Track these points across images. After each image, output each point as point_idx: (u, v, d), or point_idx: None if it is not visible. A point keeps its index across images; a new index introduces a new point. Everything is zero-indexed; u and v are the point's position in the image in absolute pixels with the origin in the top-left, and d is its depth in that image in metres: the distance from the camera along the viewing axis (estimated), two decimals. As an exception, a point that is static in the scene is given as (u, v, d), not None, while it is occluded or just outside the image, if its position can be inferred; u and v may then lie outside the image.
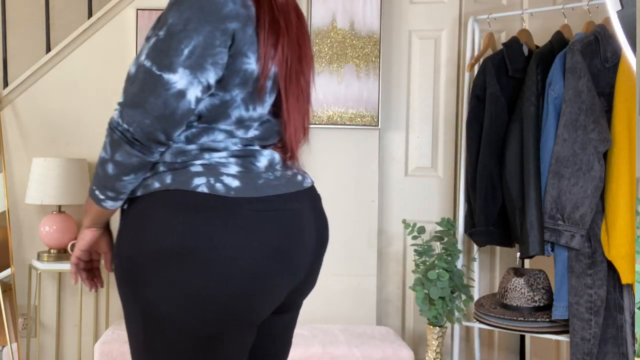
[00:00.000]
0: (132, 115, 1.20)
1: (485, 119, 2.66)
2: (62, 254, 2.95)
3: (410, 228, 2.76)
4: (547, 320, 2.49)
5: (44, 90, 3.10)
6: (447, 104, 3.13)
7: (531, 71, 2.51)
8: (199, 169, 1.25)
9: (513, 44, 2.68)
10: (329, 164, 3.04)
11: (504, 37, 3.04)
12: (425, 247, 2.73)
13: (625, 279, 2.31)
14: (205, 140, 1.27)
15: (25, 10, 3.86)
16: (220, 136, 1.28)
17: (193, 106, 1.22)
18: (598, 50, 2.39)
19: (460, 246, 2.84)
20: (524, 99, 2.51)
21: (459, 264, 2.81)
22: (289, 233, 1.28)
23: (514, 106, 2.61)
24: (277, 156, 1.34)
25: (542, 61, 2.51)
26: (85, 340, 3.02)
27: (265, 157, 1.32)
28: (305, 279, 1.37)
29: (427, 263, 2.73)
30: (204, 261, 1.21)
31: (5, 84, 3.32)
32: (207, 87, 1.23)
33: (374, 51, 3.01)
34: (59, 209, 2.97)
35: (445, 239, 2.75)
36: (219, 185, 1.23)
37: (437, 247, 2.81)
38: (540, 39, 2.70)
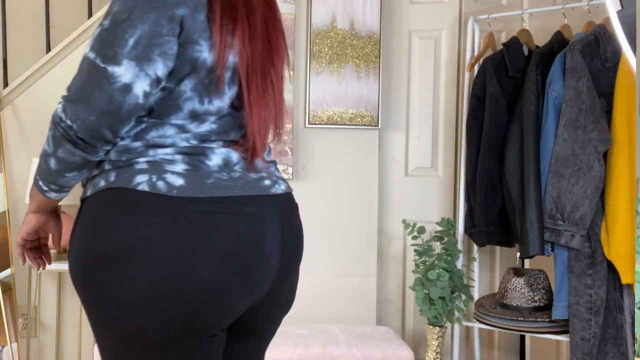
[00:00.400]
0: (76, 111, 1.13)
1: (485, 119, 2.66)
2: (62, 254, 2.95)
3: (410, 228, 2.76)
4: (547, 320, 2.49)
5: (44, 90, 3.09)
6: (447, 104, 3.13)
7: (531, 71, 2.51)
8: (144, 166, 1.17)
9: (513, 44, 2.68)
10: (329, 164, 3.04)
11: (504, 37, 3.04)
12: (425, 247, 2.73)
13: (625, 279, 2.31)
14: (152, 135, 1.18)
15: (25, 10, 3.86)
16: (169, 131, 1.18)
17: (141, 101, 1.13)
18: (598, 50, 2.39)
19: (460, 246, 2.84)
20: (524, 99, 2.51)
21: (459, 264, 2.81)
22: (240, 239, 1.17)
23: (514, 106, 2.61)
24: (235, 155, 1.22)
25: (542, 61, 2.51)
26: (85, 340, 3.02)
27: (219, 156, 1.20)
28: (272, 295, 1.27)
29: (427, 263, 2.72)
30: (141, 263, 1.13)
31: (5, 84, 3.32)
32: (156, 80, 1.14)
33: (374, 51, 3.01)
34: (59, 209, 2.97)
35: (445, 239, 2.75)
36: (161, 184, 1.14)
37: (437, 247, 2.81)
38: (540, 39, 2.70)
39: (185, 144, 1.18)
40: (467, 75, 2.91)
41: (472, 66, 2.84)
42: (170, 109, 1.19)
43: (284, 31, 1.34)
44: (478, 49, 2.91)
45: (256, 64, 1.23)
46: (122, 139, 1.18)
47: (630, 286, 2.34)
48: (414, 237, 2.75)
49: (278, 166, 1.39)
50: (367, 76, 3.01)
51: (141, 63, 1.12)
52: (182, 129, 1.19)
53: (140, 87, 1.13)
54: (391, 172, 3.16)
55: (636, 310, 1.95)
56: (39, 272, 2.99)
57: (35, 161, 2.92)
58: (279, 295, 1.30)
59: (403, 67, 3.14)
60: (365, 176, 3.07)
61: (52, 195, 1.27)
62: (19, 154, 3.08)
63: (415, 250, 2.76)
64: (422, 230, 2.75)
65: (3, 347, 2.90)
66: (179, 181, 1.15)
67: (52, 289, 3.08)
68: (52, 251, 2.95)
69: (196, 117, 1.20)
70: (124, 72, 1.11)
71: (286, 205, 1.30)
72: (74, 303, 3.04)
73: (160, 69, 1.14)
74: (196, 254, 1.13)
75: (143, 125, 1.19)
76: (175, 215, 1.14)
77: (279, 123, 1.32)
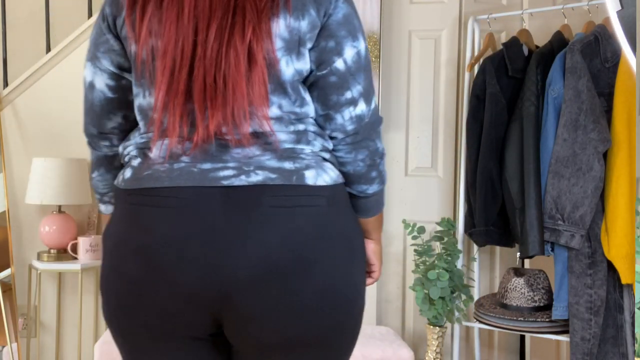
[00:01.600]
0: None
1: (485, 119, 2.66)
2: (62, 254, 2.95)
3: (410, 228, 2.75)
4: (547, 320, 2.49)
5: (44, 90, 3.10)
6: (447, 104, 3.13)
7: (531, 71, 2.51)
8: (126, 162, 1.23)
9: (513, 44, 2.68)
10: (329, 164, 3.04)
11: (504, 37, 3.04)
12: (425, 247, 2.73)
13: (625, 279, 2.31)
14: (128, 137, 1.25)
15: (25, 10, 3.86)
16: (135, 132, 1.23)
17: (110, 94, 1.24)
18: (598, 50, 2.39)
19: (460, 246, 2.84)
20: (524, 99, 2.51)
21: (459, 264, 2.81)
22: (155, 233, 1.11)
23: (514, 106, 2.61)
24: (179, 146, 1.14)
25: (542, 61, 2.51)
26: (85, 340, 3.02)
27: (159, 147, 1.15)
28: (245, 309, 1.12)
29: (427, 263, 2.72)
30: (102, 252, 1.21)
31: (5, 84, 3.32)
32: (113, 74, 1.22)
33: (374, 51, 3.00)
34: (59, 209, 2.97)
35: (445, 239, 2.75)
36: (120, 177, 1.21)
37: (437, 247, 2.81)
38: (540, 39, 2.70)
39: (140, 140, 1.20)
40: (467, 75, 2.91)
41: (472, 66, 2.84)
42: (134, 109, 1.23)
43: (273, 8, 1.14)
44: (478, 49, 2.91)
45: (183, 50, 1.11)
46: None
47: (630, 286, 2.34)
48: (414, 237, 2.75)
49: None
50: (367, 76, 3.00)
51: (94, 62, 1.24)
52: (139, 127, 1.22)
53: (102, 82, 1.24)
54: (391, 172, 3.15)
55: (636, 310, 1.95)
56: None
57: (35, 161, 2.92)
58: (256, 311, 1.13)
59: (403, 67, 3.14)
60: (365, 176, 3.06)
61: (102, 207, 1.39)
62: (19, 154, 3.08)
63: (415, 250, 2.76)
64: (422, 230, 2.75)
65: (3, 347, 2.90)
66: (128, 174, 1.19)
67: (52, 289, 3.08)
68: (52, 251, 2.95)
69: (144, 115, 1.19)
70: (86, 73, 1.26)
71: (252, 200, 1.12)
72: (74, 303, 3.04)
73: (107, 63, 1.22)
74: (120, 246, 1.15)
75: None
76: (118, 207, 1.20)
77: (237, 113, 1.12)
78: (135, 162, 1.19)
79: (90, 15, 3.35)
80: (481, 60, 2.80)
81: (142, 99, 1.18)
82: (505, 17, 2.91)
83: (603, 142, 2.32)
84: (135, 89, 1.20)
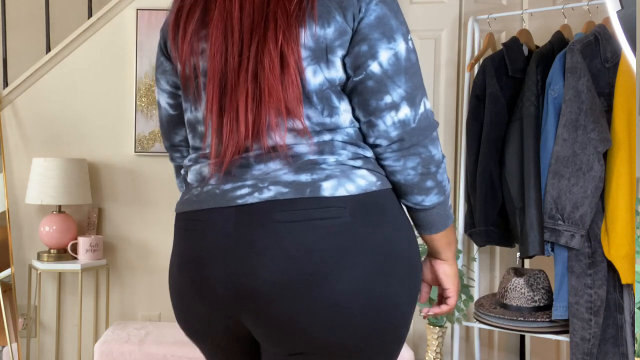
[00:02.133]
0: None
1: (485, 119, 2.66)
2: (62, 254, 2.95)
3: (410, 228, 2.75)
4: (547, 320, 2.49)
5: (44, 90, 3.09)
6: (447, 104, 3.13)
7: (531, 71, 2.51)
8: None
9: (513, 44, 2.68)
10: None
11: (504, 37, 3.04)
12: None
13: (625, 279, 2.31)
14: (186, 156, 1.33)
15: (25, 10, 3.86)
16: (189, 151, 1.31)
17: (172, 111, 1.33)
18: (598, 50, 2.39)
19: (460, 246, 2.84)
20: (524, 99, 2.51)
21: (459, 264, 2.81)
22: (184, 254, 1.21)
23: (514, 106, 2.61)
24: (206, 169, 1.19)
25: (542, 61, 2.51)
26: (85, 340, 3.02)
27: (194, 172, 1.23)
28: (268, 323, 1.13)
29: (427, 263, 2.72)
30: None
31: (5, 84, 3.32)
32: (171, 92, 1.31)
33: (374, 51, 3.00)
34: (59, 209, 2.97)
35: (445, 239, 2.75)
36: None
37: (437, 247, 2.81)
38: (540, 39, 2.71)
39: (189, 162, 1.26)
40: (467, 75, 2.91)
41: (472, 66, 2.84)
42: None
43: (303, 17, 1.13)
44: (478, 49, 2.91)
45: (223, 68, 1.14)
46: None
47: (630, 286, 2.34)
48: (414, 237, 2.75)
49: None
50: (367, 76, 3.00)
51: (156, 83, 1.35)
52: (191, 147, 1.28)
53: (164, 101, 1.33)
54: (391, 172, 3.15)
55: (636, 310, 1.95)
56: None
57: (35, 161, 2.92)
58: (267, 325, 1.13)
59: (403, 67, 3.14)
60: (365, 176, 3.06)
61: None
62: (19, 154, 3.08)
63: (415, 250, 2.76)
64: (422, 230, 2.75)
65: (3, 347, 2.90)
66: (179, 198, 1.28)
67: (52, 289, 3.08)
68: (52, 251, 2.95)
69: (192, 128, 1.26)
70: (155, 93, 1.43)
71: (262, 217, 1.11)
72: (74, 303, 3.05)
73: (165, 83, 1.31)
74: (171, 264, 1.27)
75: None
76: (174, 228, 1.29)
77: (261, 131, 1.13)
78: (183, 187, 1.30)
79: (90, 15, 3.35)
80: (481, 60, 2.80)
81: (189, 114, 1.24)
82: (505, 17, 2.91)
83: (603, 142, 2.32)
84: (184, 104, 1.26)
